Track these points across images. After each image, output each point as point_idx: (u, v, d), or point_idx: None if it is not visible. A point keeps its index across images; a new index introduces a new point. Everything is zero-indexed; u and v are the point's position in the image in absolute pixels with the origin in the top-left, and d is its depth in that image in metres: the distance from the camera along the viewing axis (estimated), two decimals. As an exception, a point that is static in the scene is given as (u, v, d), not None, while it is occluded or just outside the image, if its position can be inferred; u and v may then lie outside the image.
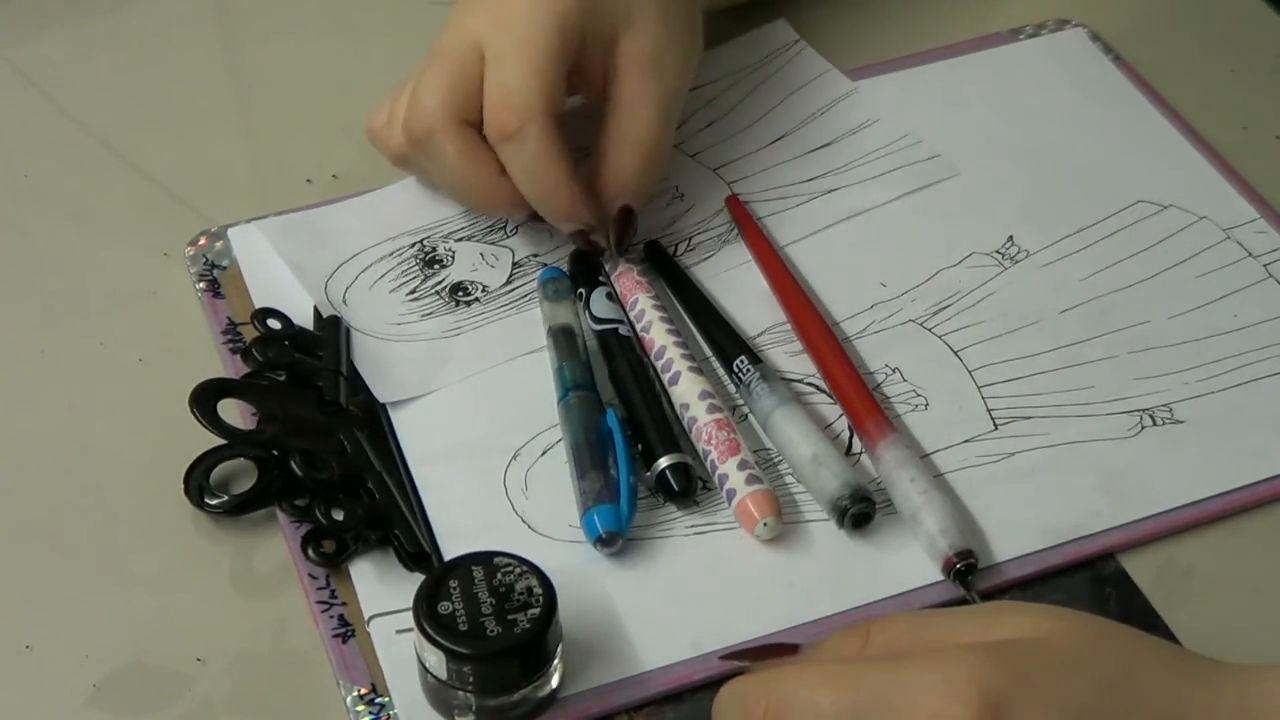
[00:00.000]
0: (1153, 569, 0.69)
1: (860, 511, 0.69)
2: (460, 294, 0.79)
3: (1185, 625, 0.67)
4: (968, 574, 0.67)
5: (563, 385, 0.73)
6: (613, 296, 0.77)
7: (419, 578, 0.64)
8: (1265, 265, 0.80)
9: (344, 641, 0.66)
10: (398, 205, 0.83)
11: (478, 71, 0.75)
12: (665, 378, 0.74)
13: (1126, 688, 0.54)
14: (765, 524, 0.69)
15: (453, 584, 0.62)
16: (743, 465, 0.70)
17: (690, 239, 0.82)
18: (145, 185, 0.84)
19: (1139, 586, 0.69)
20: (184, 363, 0.75)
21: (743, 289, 0.79)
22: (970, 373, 0.76)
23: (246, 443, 0.71)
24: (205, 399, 0.71)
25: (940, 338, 0.77)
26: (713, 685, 0.61)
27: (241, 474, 0.71)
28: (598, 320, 0.76)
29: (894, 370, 0.76)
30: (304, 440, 0.71)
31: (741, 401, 0.74)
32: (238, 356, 0.75)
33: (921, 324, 0.78)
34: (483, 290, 0.79)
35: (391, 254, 0.81)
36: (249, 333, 0.76)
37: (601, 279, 0.78)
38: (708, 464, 0.71)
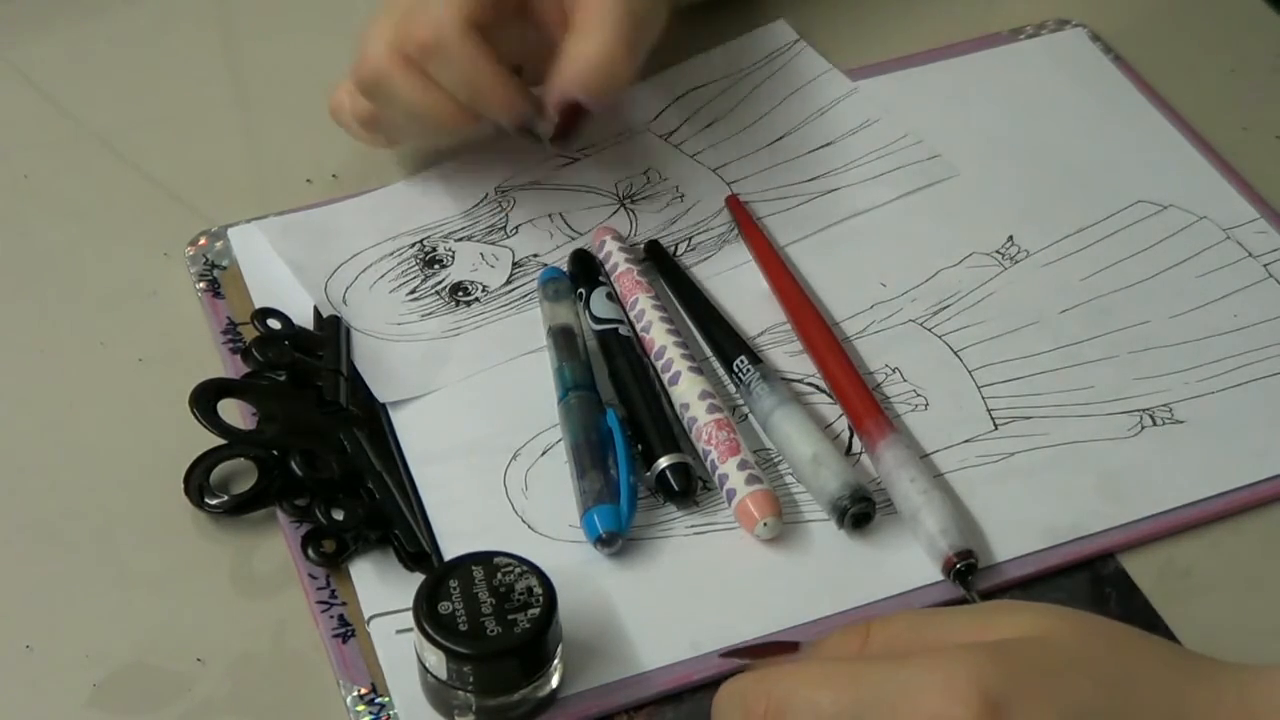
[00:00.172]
0: (1153, 569, 0.69)
1: (860, 511, 0.69)
2: (460, 294, 0.79)
3: (1185, 625, 0.67)
4: (968, 574, 0.67)
5: (563, 385, 0.73)
6: (613, 296, 0.77)
7: (419, 578, 0.64)
8: (1265, 265, 0.80)
9: (344, 641, 0.66)
10: (398, 205, 0.83)
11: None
12: (665, 378, 0.74)
13: (1127, 687, 0.54)
14: (765, 524, 0.69)
15: (453, 584, 0.62)
16: (743, 465, 0.70)
17: (690, 239, 0.82)
18: (145, 185, 0.84)
19: (1139, 586, 0.69)
20: (184, 363, 0.75)
21: (743, 289, 0.79)
22: (970, 373, 0.76)
23: (246, 443, 0.71)
24: (205, 399, 0.71)
25: (940, 338, 0.77)
26: (712, 685, 0.61)
27: (241, 474, 0.71)
28: (598, 320, 0.76)
29: (894, 370, 0.76)
30: (304, 440, 0.71)
31: (741, 401, 0.74)
32: (238, 356, 0.75)
33: (921, 324, 0.78)
34: (483, 290, 0.79)
35: (391, 254, 0.81)
36: (249, 333, 0.76)
37: (601, 279, 0.78)
38: (708, 464, 0.71)
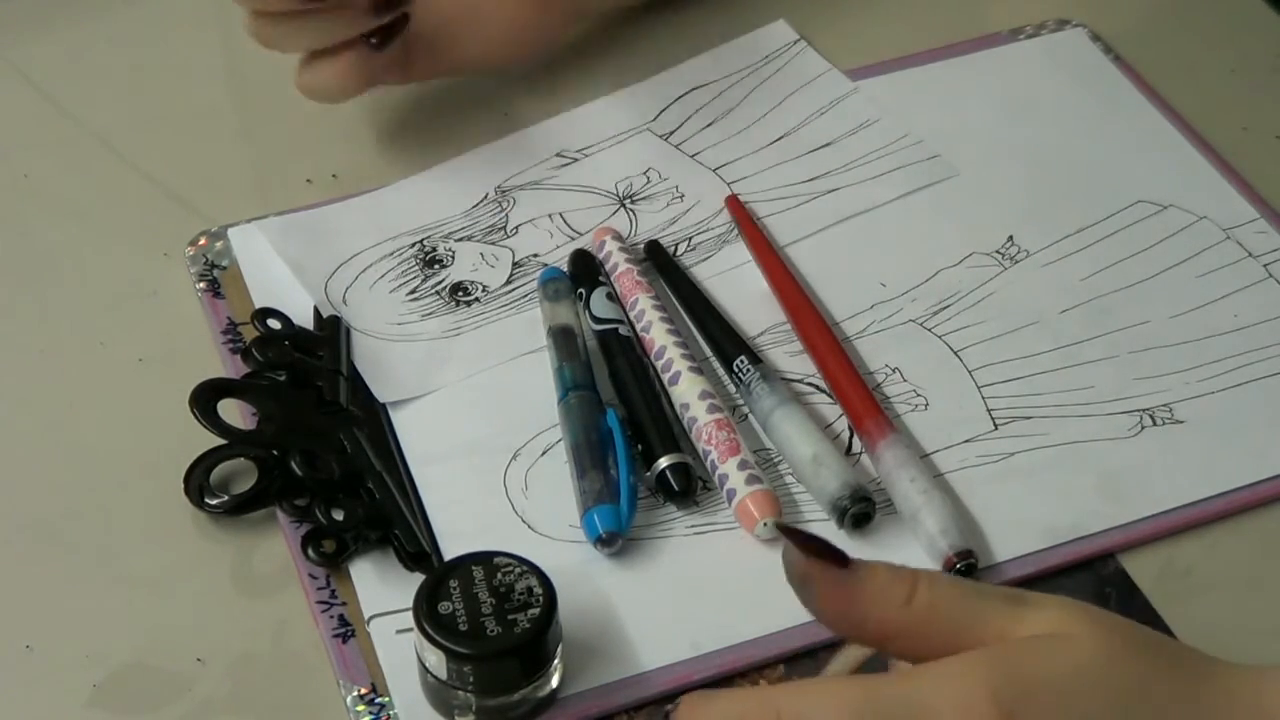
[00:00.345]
0: (1153, 569, 0.69)
1: (860, 511, 0.69)
2: (460, 294, 0.79)
3: (1185, 625, 0.67)
4: (968, 574, 0.67)
5: (563, 385, 0.73)
6: (613, 296, 0.77)
7: (419, 578, 0.64)
8: (1265, 265, 0.80)
9: (344, 641, 0.66)
10: (398, 205, 0.83)
11: None
12: (665, 378, 0.74)
13: (1141, 694, 0.54)
14: (765, 524, 0.69)
15: (453, 584, 0.62)
16: (743, 465, 0.70)
17: (690, 239, 0.82)
18: (145, 185, 0.84)
19: (1139, 586, 0.69)
20: (184, 363, 0.75)
21: (743, 289, 0.79)
22: (970, 373, 0.76)
23: (246, 443, 0.71)
24: (205, 399, 0.71)
25: (940, 338, 0.77)
26: (712, 686, 0.61)
27: (241, 474, 0.71)
28: (598, 320, 0.76)
29: (894, 370, 0.76)
30: (304, 440, 0.71)
31: (741, 401, 0.74)
32: (238, 356, 0.75)
33: (921, 324, 0.78)
34: (483, 290, 0.79)
35: (391, 254, 0.81)
36: (249, 333, 0.76)
37: (601, 279, 0.78)
38: (708, 464, 0.71)
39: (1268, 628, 0.68)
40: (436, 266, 0.80)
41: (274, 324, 0.76)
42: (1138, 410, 0.74)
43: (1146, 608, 0.68)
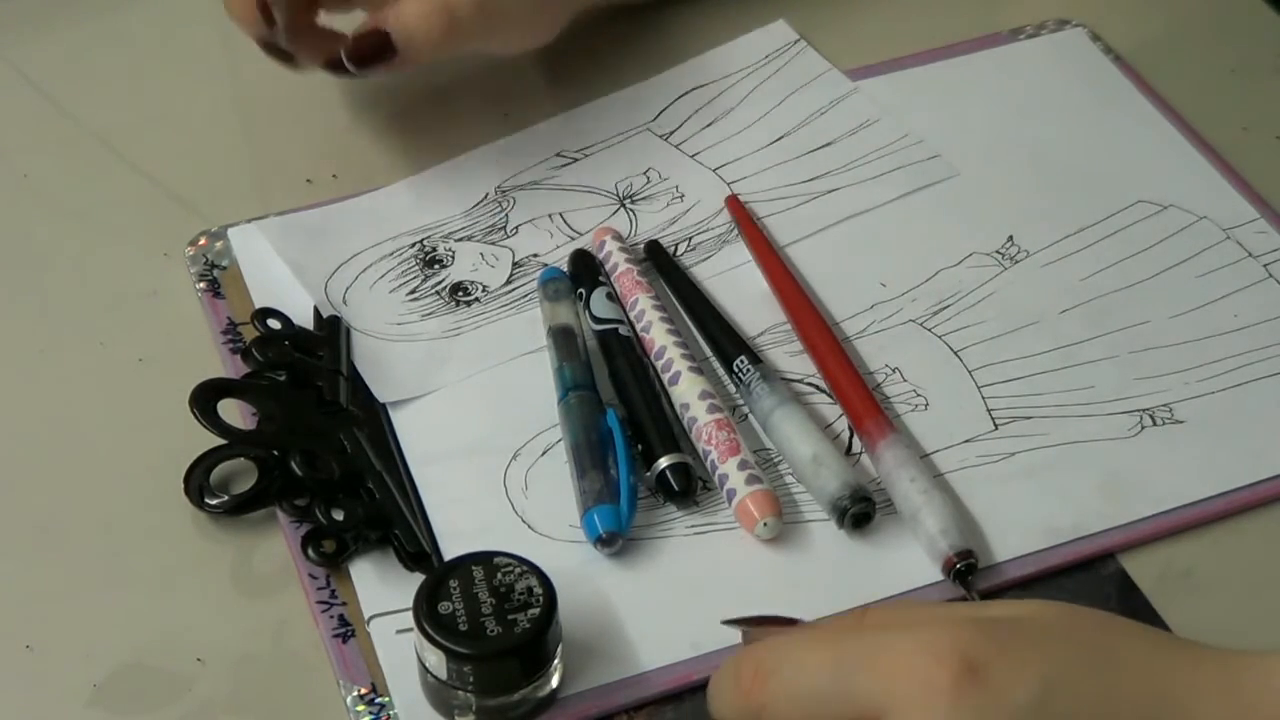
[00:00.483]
0: (1153, 569, 0.69)
1: (860, 511, 0.69)
2: (460, 294, 0.79)
3: (1185, 625, 0.67)
4: (968, 574, 0.67)
5: (563, 385, 0.73)
6: (613, 296, 0.77)
7: (419, 578, 0.64)
8: (1265, 265, 0.80)
9: (344, 641, 0.66)
10: (398, 205, 0.83)
11: None
12: (665, 378, 0.74)
13: (1107, 657, 0.55)
14: (765, 524, 0.69)
15: (453, 584, 0.62)
16: (743, 465, 0.70)
17: (690, 239, 0.82)
18: (145, 185, 0.84)
19: (1139, 586, 0.69)
20: (184, 363, 0.75)
21: (743, 289, 0.79)
22: (970, 373, 0.76)
23: (246, 443, 0.71)
24: (205, 399, 0.71)
25: (940, 338, 0.77)
26: (713, 685, 0.61)
27: (241, 474, 0.71)
28: (598, 320, 0.76)
29: (894, 370, 0.76)
30: (304, 440, 0.71)
31: (741, 401, 0.74)
32: (238, 356, 0.75)
33: (921, 324, 0.78)
34: (483, 290, 0.79)
35: (391, 254, 0.81)
36: (249, 333, 0.76)
37: (601, 279, 0.78)
38: (708, 464, 0.71)
39: (1268, 628, 0.68)
40: (436, 266, 0.80)
41: (274, 324, 0.76)
42: (1138, 410, 0.74)
43: (1146, 608, 0.68)
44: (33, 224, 0.83)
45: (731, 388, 0.75)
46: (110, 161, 0.86)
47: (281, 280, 0.79)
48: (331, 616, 0.67)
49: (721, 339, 0.76)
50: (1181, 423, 0.74)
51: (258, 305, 0.77)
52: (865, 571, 0.69)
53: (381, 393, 0.75)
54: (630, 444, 0.71)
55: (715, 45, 0.91)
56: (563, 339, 0.75)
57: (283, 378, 0.74)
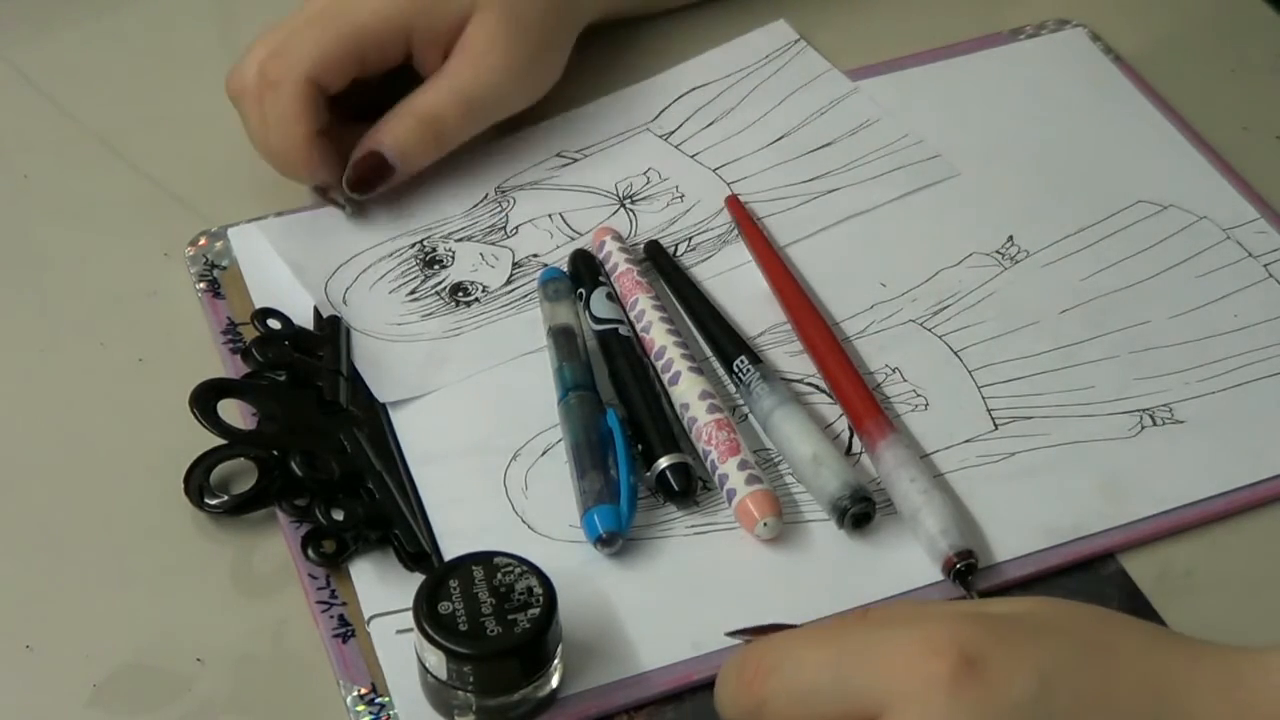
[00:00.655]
0: (1153, 569, 0.69)
1: (860, 511, 0.69)
2: (460, 294, 0.79)
3: (1185, 625, 0.67)
4: (968, 574, 0.67)
5: (563, 385, 0.73)
6: (613, 296, 0.77)
7: (419, 578, 0.64)
8: (1265, 265, 0.80)
9: (344, 641, 0.66)
10: (398, 205, 0.83)
11: None
12: (665, 378, 0.74)
13: (1105, 651, 0.55)
14: (765, 524, 0.69)
15: (453, 584, 0.62)
16: (743, 465, 0.70)
17: (690, 239, 0.82)
18: (145, 185, 0.84)
19: (1139, 586, 0.69)
20: (184, 363, 0.75)
21: (743, 289, 0.79)
22: (970, 373, 0.76)
23: (246, 443, 0.71)
24: (205, 399, 0.71)
25: (940, 338, 0.77)
26: (713, 685, 0.61)
27: (241, 474, 0.71)
28: (598, 320, 0.76)
29: (894, 370, 0.76)
30: (304, 440, 0.71)
31: (741, 401, 0.74)
32: (238, 356, 0.75)
33: (921, 324, 0.78)
34: (483, 290, 0.79)
35: (391, 254, 0.81)
36: (249, 333, 0.76)
37: (601, 279, 0.78)
38: (708, 464, 0.71)
39: (1268, 628, 0.68)
40: (436, 267, 0.80)
41: (274, 324, 0.76)
42: (1138, 410, 0.74)
43: (1147, 608, 0.68)
44: (33, 224, 0.83)
45: (731, 388, 0.75)
46: (110, 161, 0.86)
47: (281, 280, 0.79)
48: (331, 616, 0.67)
49: (721, 339, 0.76)
50: (1182, 423, 0.74)
51: (258, 305, 0.77)
52: (865, 571, 0.69)
53: (381, 393, 0.75)
54: (630, 444, 0.71)
55: (715, 45, 0.91)
56: (563, 339, 0.75)
57: (283, 378, 0.74)
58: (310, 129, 0.78)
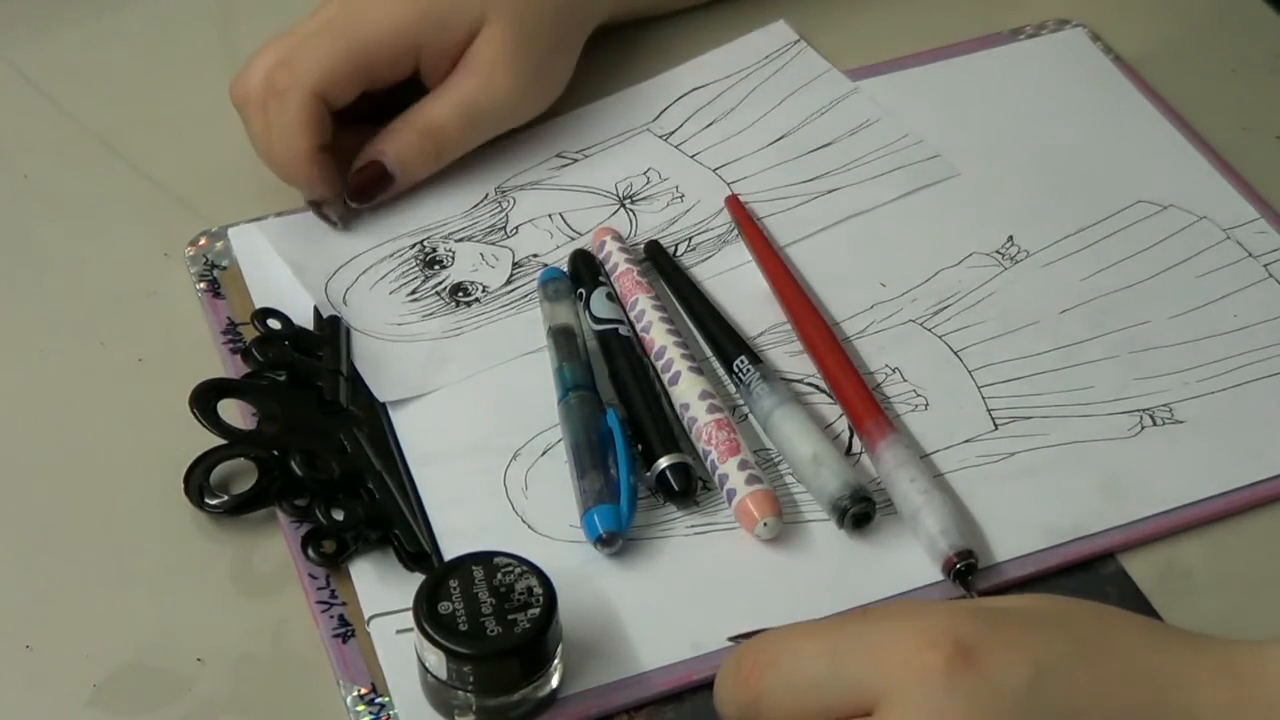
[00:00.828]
0: (1153, 569, 0.69)
1: (860, 511, 0.69)
2: (460, 294, 0.79)
3: (1185, 625, 0.67)
4: (968, 574, 0.67)
5: (563, 385, 0.73)
6: (613, 296, 0.77)
7: (419, 578, 0.64)
8: (1265, 265, 0.80)
9: (344, 641, 0.66)
10: (398, 205, 0.83)
11: None
12: (665, 378, 0.74)
13: (1101, 644, 0.55)
14: (765, 524, 0.69)
15: (453, 584, 0.62)
16: (743, 465, 0.70)
17: (690, 239, 0.82)
18: (145, 185, 0.84)
19: (1139, 586, 0.69)
20: (184, 363, 0.75)
21: (743, 289, 0.79)
22: (970, 373, 0.76)
23: (246, 443, 0.71)
24: (205, 399, 0.71)
25: (940, 338, 0.77)
26: (712, 685, 0.61)
27: (241, 474, 0.71)
28: (598, 320, 0.76)
29: (894, 370, 0.76)
30: (304, 440, 0.71)
31: (741, 401, 0.74)
32: (238, 356, 0.75)
33: (921, 324, 0.78)
34: (483, 290, 0.79)
35: (392, 255, 0.81)
36: (249, 333, 0.76)
37: (601, 279, 0.78)
38: (708, 464, 0.71)
39: (1269, 628, 0.68)
40: (436, 267, 0.80)
41: (274, 324, 0.76)
42: (1138, 410, 0.74)
43: (1146, 608, 0.68)
44: (33, 224, 0.83)
45: (731, 388, 0.75)
46: (110, 161, 0.86)
47: (281, 280, 0.79)
48: (331, 616, 0.67)
49: (721, 339, 0.76)
50: (1181, 423, 0.74)
51: (258, 305, 0.77)
52: (865, 571, 0.69)
53: (381, 393, 0.75)
54: (630, 444, 0.71)
55: (715, 45, 0.91)
56: (563, 339, 0.75)
57: (283, 378, 0.74)
58: (313, 143, 0.78)
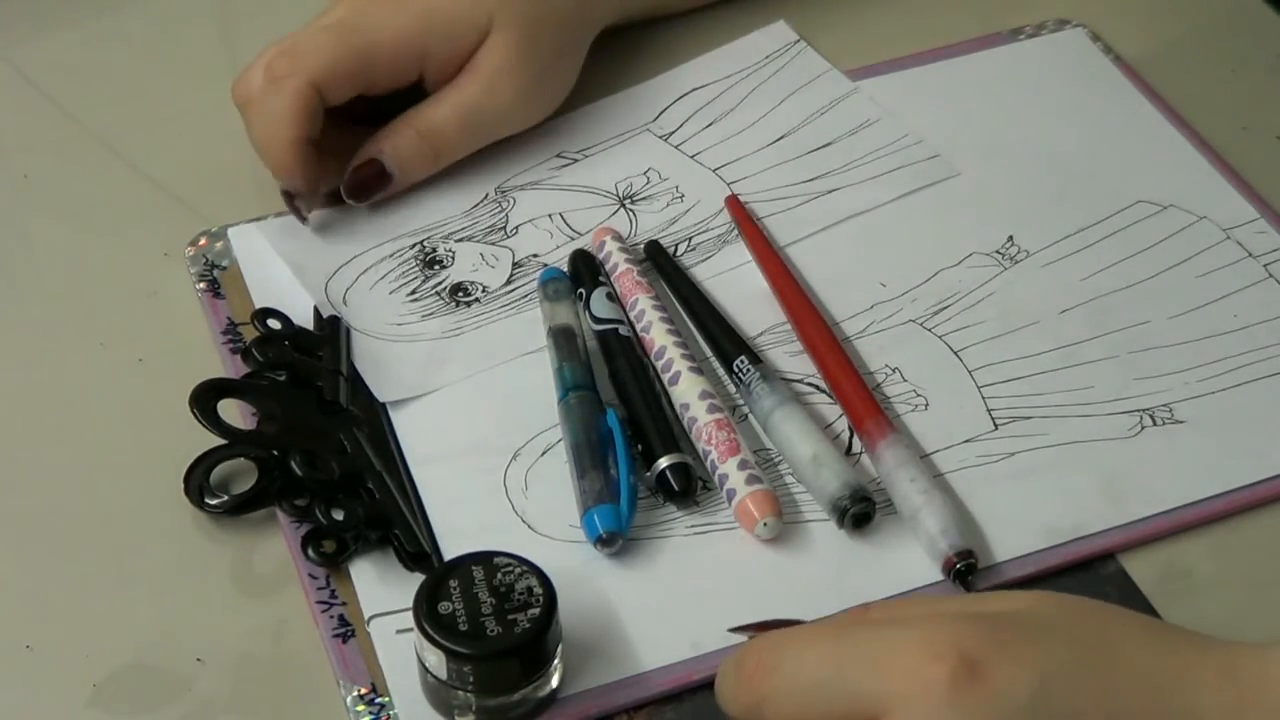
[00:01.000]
0: (1153, 569, 0.69)
1: (860, 511, 0.69)
2: (460, 294, 0.79)
3: (1185, 625, 0.67)
4: (968, 574, 0.67)
5: (563, 385, 0.73)
6: (613, 296, 0.77)
7: (419, 578, 0.64)
8: (1265, 265, 0.80)
9: (344, 641, 0.66)
10: (398, 205, 0.83)
11: None
12: (665, 378, 0.74)
13: (1106, 651, 0.55)
14: (765, 524, 0.69)
15: (453, 584, 0.62)
16: (743, 465, 0.70)
17: (690, 239, 0.82)
18: (145, 185, 0.84)
19: (1139, 586, 0.69)
20: (184, 363, 0.75)
21: (743, 289, 0.79)
22: (970, 373, 0.76)
23: (246, 443, 0.71)
24: (205, 399, 0.71)
25: (940, 338, 0.77)
26: (712, 685, 0.61)
27: (241, 474, 0.71)
28: (598, 320, 0.76)
29: (894, 370, 0.76)
30: (304, 440, 0.71)
31: (741, 401, 0.74)
32: (238, 356, 0.75)
33: (921, 324, 0.78)
34: (483, 290, 0.79)
35: (392, 255, 0.81)
36: (249, 333, 0.76)
37: (601, 279, 0.78)
38: (708, 464, 0.71)
39: (1269, 628, 0.68)
40: (436, 267, 0.80)
41: (274, 324, 0.76)
42: (1138, 410, 0.74)
43: (1147, 608, 0.68)
44: (33, 224, 0.83)
45: (731, 388, 0.75)
46: (110, 161, 0.86)
47: (281, 280, 0.79)
48: (331, 616, 0.67)
49: (721, 339, 0.76)
50: (1181, 423, 0.74)
51: (258, 305, 0.77)
52: (865, 571, 0.69)
53: (381, 392, 0.75)
54: (630, 444, 0.71)
55: (715, 45, 0.91)
56: (563, 339, 0.75)
57: (283, 378, 0.74)
58: (299, 133, 0.78)
